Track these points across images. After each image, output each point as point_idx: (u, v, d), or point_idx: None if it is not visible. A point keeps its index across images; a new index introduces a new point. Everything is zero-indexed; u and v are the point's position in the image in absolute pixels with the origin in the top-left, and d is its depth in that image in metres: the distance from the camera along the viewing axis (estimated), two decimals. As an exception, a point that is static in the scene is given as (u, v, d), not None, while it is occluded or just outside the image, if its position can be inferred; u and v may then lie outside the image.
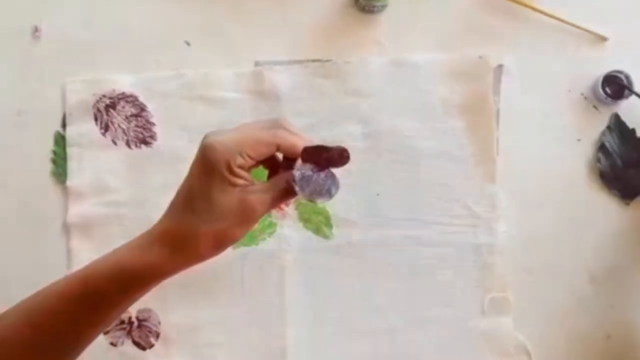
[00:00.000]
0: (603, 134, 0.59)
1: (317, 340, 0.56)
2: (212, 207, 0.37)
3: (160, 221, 0.39)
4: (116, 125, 0.58)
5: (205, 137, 0.37)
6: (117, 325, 0.56)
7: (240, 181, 0.37)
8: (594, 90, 0.59)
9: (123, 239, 0.39)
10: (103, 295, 0.38)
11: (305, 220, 0.57)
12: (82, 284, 0.39)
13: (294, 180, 0.37)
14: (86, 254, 0.56)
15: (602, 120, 0.59)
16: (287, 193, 0.38)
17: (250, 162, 0.37)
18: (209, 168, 0.37)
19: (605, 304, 0.56)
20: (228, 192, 0.37)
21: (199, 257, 0.38)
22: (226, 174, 0.36)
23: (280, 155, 0.40)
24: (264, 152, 0.37)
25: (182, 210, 0.38)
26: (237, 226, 0.37)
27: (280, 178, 0.38)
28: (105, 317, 0.40)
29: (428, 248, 0.57)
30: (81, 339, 0.40)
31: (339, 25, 0.59)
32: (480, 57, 0.58)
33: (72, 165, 0.57)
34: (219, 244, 0.38)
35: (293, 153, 0.38)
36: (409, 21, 0.59)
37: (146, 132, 0.58)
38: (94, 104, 0.58)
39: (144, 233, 0.39)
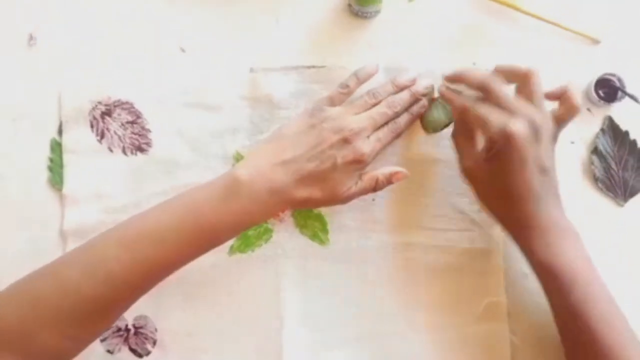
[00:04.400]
0: (597, 136, 0.58)
1: (313, 346, 0.56)
2: None
3: None
4: (112, 132, 0.58)
5: None
6: (113, 332, 0.56)
7: None
8: (587, 93, 0.59)
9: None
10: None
11: (301, 226, 0.57)
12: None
13: None
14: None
15: (595, 123, 0.59)
16: None
17: None
18: None
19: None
20: None
21: None
22: None
23: None
24: None
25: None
26: None
27: None
28: None
29: (423, 254, 0.57)
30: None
31: (332, 31, 0.60)
32: (474, 63, 0.58)
33: (68, 172, 0.58)
34: None
35: None
36: (402, 27, 0.60)
37: (142, 139, 0.58)
38: (90, 111, 0.58)
39: None
